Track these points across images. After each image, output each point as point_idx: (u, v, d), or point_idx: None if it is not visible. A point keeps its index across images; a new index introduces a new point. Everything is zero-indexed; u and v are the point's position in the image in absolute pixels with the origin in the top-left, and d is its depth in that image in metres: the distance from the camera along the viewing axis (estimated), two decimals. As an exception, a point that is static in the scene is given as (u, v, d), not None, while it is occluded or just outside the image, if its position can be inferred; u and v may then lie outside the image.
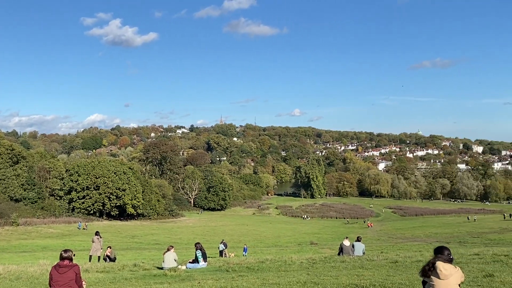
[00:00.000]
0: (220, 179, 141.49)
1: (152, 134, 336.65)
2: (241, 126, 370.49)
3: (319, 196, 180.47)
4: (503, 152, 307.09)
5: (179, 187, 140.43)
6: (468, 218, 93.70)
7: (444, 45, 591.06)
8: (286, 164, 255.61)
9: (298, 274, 14.86)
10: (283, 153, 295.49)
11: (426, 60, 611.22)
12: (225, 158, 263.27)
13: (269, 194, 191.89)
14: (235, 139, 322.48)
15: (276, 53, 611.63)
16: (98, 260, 26.00)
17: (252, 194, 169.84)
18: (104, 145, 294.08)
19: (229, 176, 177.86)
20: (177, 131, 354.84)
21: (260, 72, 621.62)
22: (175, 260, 19.05)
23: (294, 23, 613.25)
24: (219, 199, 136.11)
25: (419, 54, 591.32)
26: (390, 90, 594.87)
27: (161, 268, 18.39)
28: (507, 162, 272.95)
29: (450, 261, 6.53)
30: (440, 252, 6.59)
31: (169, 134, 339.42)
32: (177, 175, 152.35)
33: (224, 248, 37.45)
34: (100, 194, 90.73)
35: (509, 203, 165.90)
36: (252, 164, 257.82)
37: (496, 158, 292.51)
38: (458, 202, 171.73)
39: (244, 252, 39.60)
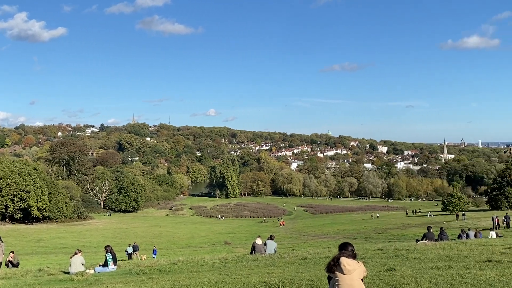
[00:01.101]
0: (132, 180, 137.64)
1: (59, 133, 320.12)
2: (154, 125, 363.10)
3: (234, 196, 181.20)
4: (406, 152, 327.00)
5: (88, 189, 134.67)
6: (372, 216, 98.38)
7: (352, 50, 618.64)
8: (201, 164, 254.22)
9: (210, 274, 14.77)
10: (198, 153, 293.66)
11: (336, 63, 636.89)
12: (137, 159, 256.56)
13: (184, 195, 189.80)
14: (148, 138, 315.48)
15: (191, 52, 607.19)
16: (0, 266, 24.30)
17: (166, 195, 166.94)
18: (7, 144, 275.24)
19: (142, 176, 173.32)
20: (86, 130, 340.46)
21: (175, 71, 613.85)
22: (82, 264, 18.27)
23: (209, 22, 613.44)
24: (131, 201, 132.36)
25: (330, 57, 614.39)
26: (303, 92, 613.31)
27: (68, 273, 17.52)
28: (409, 161, 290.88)
29: (353, 256, 6.72)
30: (344, 248, 6.78)
31: (78, 133, 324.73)
32: (86, 176, 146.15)
33: (134, 250, 36.53)
34: (2, 196, 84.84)
35: (411, 200, 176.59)
36: (166, 164, 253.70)
37: (399, 157, 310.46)
38: (365, 199, 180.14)
39: (153, 254, 38.93)
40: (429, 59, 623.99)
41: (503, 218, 49.07)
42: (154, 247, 42.58)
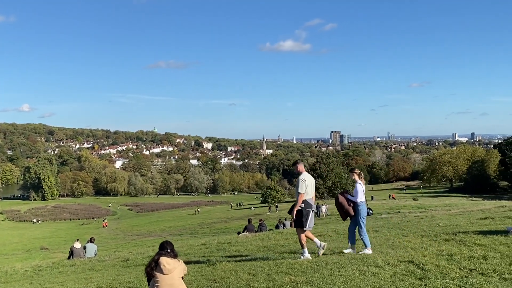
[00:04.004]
0: None
1: None
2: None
3: (52, 198, 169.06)
4: (229, 148, 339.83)
5: None
6: (195, 211, 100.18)
7: (177, 47, 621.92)
8: (13, 164, 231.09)
9: (20, 284, 13.39)
10: (10, 153, 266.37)
11: (162, 60, 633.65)
12: None
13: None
14: None
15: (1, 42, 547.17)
16: None
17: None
18: None
19: None
20: None
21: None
22: None
23: (23, 11, 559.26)
24: None
25: (155, 54, 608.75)
26: (127, 88, 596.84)
27: None
28: (232, 157, 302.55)
29: (174, 255, 6.58)
30: (163, 248, 6.59)
31: None
32: None
33: None
34: None
35: (234, 194, 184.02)
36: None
37: (223, 153, 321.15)
38: (191, 195, 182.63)
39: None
40: (250, 59, 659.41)
41: (315, 207, 53.61)
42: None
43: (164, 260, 6.37)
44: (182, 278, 6.57)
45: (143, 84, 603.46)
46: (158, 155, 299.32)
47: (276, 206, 75.07)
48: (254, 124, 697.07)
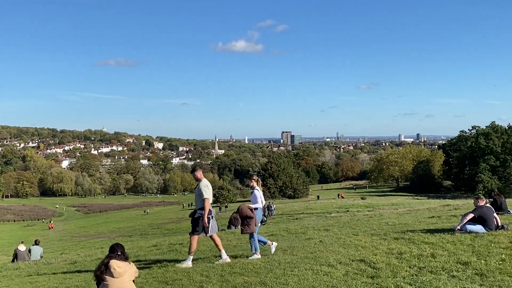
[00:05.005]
0: None
1: None
2: None
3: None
4: (181, 148, 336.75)
5: None
6: (144, 211, 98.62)
7: (127, 46, 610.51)
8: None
9: (-42, 291, 12.73)
10: None
11: (111, 58, 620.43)
12: None
13: None
14: None
15: None
16: None
17: None
18: None
19: None
20: None
21: None
22: None
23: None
24: None
25: (104, 52, 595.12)
26: (74, 86, 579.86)
27: None
28: (184, 157, 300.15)
29: (124, 258, 6.42)
30: (113, 251, 6.41)
31: None
32: None
33: None
34: None
35: (185, 194, 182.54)
36: None
37: (175, 153, 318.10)
38: (141, 196, 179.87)
39: None
40: (202, 59, 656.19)
41: (266, 207, 54.06)
42: None
43: (115, 263, 6.20)
44: (133, 281, 6.45)
45: (92, 82, 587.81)
46: (107, 155, 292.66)
47: (226, 207, 74.99)
48: (206, 124, 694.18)
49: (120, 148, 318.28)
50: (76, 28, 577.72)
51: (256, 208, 9.81)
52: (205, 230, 9.26)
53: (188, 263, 9.35)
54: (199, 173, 9.69)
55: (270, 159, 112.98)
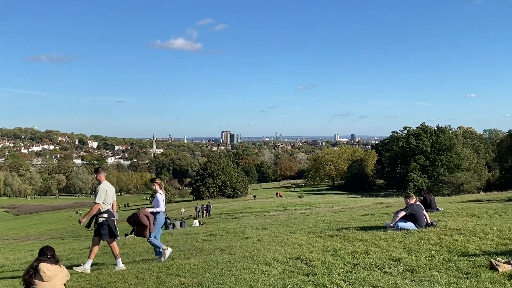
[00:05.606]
0: None
1: None
2: None
3: None
4: (116, 147, 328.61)
5: None
6: (77, 213, 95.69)
7: (61, 41, 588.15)
8: None
9: None
10: None
11: (43, 53, 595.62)
12: None
13: None
14: None
15: None
16: None
17: None
18: None
19: None
20: None
21: None
22: None
23: None
24: None
25: (35, 47, 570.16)
26: (3, 81, 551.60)
27: None
28: (120, 156, 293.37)
29: (55, 261, 6.20)
30: (43, 254, 6.17)
31: None
32: None
33: None
34: None
35: (120, 194, 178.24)
36: None
37: (110, 153, 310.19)
38: (75, 196, 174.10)
39: None
40: (140, 56, 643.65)
41: (205, 207, 54.01)
42: None
43: (44, 267, 5.98)
44: (65, 284, 6.28)
45: (22, 77, 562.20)
46: (38, 154, 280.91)
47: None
48: (143, 122, 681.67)
49: (52, 147, 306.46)
50: (3, 20, 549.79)
51: (158, 212, 9.75)
52: (115, 232, 9.19)
53: (120, 266, 9.17)
54: (101, 175, 9.47)
55: (209, 158, 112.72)
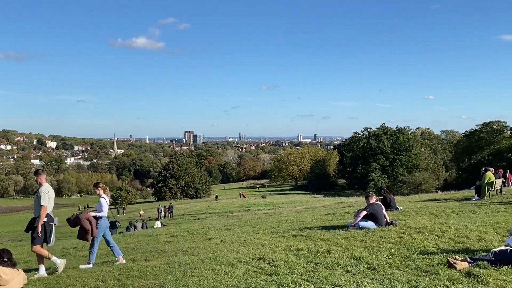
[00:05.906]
0: None
1: None
2: None
3: None
4: (76, 148, 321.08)
5: None
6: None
7: (17, 38, 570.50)
8: None
9: None
10: None
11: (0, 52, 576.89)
12: None
13: None
14: None
15: None
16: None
17: None
18: None
19: None
20: None
21: None
22: None
23: None
24: None
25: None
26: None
27: None
28: (80, 157, 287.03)
29: (12, 264, 6.03)
30: (-2, 257, 5.99)
31: None
32: None
33: None
34: None
35: (80, 196, 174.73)
36: None
37: (69, 153, 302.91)
38: (33, 198, 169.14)
39: None
40: (100, 54, 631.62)
41: (168, 208, 53.44)
42: None
43: (1, 270, 5.84)
44: (23, 288, 6.07)
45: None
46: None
47: (124, 209, 73.02)
48: (104, 122, 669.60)
49: (9, 147, 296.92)
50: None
51: (101, 217, 9.70)
52: (47, 239, 8.91)
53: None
54: (42, 177, 9.26)
55: (172, 159, 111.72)
